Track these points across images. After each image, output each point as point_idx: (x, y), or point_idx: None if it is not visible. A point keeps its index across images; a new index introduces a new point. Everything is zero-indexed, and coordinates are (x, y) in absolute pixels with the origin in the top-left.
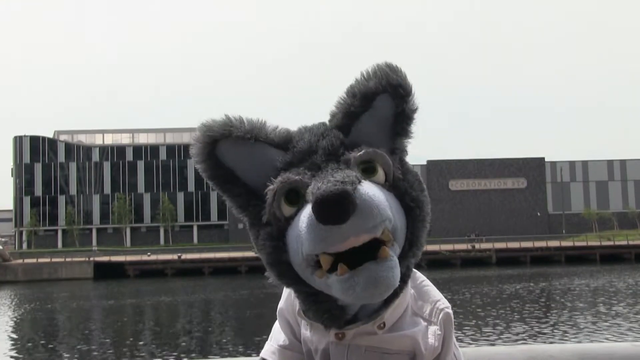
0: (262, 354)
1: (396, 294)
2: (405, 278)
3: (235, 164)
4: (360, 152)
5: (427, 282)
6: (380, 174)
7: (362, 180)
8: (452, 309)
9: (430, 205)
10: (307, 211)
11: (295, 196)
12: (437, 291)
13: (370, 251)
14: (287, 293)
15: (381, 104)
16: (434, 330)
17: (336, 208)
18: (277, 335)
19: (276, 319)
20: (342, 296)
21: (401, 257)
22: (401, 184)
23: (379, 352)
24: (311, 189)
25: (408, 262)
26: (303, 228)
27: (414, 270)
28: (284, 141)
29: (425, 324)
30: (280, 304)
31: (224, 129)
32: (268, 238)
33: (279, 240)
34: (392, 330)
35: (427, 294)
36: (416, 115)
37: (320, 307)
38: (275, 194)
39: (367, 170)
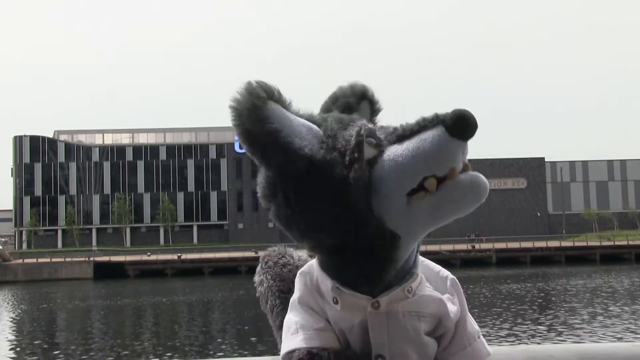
0: (295, 344)
1: (417, 257)
2: (419, 246)
3: (283, 126)
4: (408, 123)
5: (424, 258)
6: None
7: None
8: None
9: None
10: (432, 133)
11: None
12: (435, 263)
13: None
14: (301, 283)
15: (364, 110)
16: (449, 296)
17: (474, 122)
18: (306, 323)
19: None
20: (465, 197)
21: None
22: None
23: (417, 316)
24: (433, 115)
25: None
26: (427, 149)
27: None
28: (311, 120)
29: (440, 291)
30: (296, 295)
31: (273, 91)
32: (353, 180)
33: (362, 181)
34: (416, 295)
35: (428, 267)
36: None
37: (360, 268)
38: (359, 133)
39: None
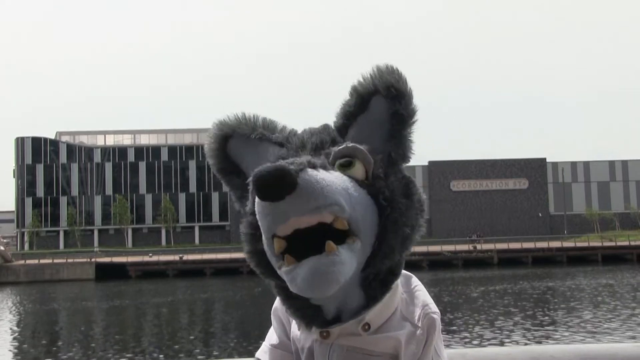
0: (257, 353)
1: (377, 296)
2: (387, 280)
3: (241, 159)
4: (341, 147)
5: (421, 287)
6: (358, 169)
7: (322, 169)
8: (452, 311)
9: (431, 206)
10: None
11: None
12: (428, 296)
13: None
14: None
15: (376, 106)
16: (418, 335)
17: (272, 184)
18: (270, 335)
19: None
20: (290, 288)
21: (371, 257)
22: (378, 183)
23: (362, 353)
24: (257, 168)
25: (381, 262)
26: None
27: (410, 275)
28: (286, 139)
29: (413, 328)
30: (275, 304)
31: (235, 126)
32: (248, 226)
33: (257, 229)
34: (377, 332)
35: (418, 299)
36: (415, 119)
37: (293, 304)
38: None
39: (346, 164)
